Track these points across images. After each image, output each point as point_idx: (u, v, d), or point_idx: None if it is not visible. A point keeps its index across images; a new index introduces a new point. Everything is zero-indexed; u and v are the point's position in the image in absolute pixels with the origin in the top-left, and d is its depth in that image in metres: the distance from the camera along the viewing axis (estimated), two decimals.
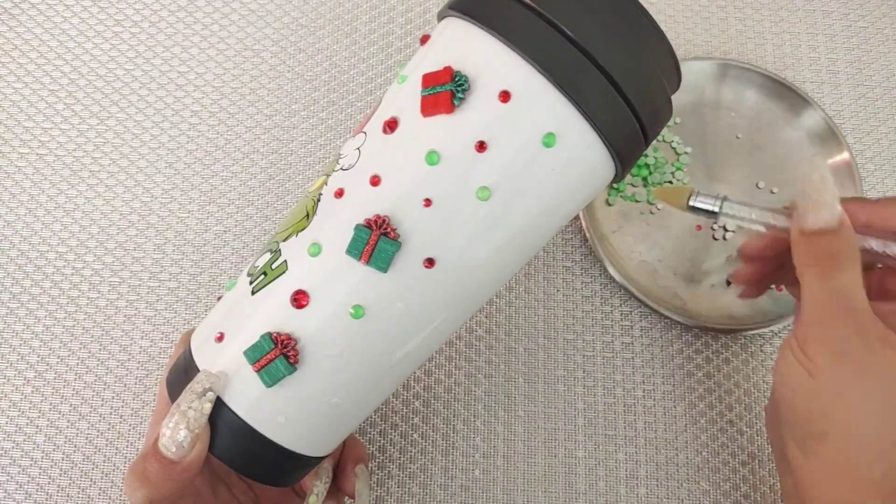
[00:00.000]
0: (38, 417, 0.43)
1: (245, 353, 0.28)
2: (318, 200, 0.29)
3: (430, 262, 0.27)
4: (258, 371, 0.28)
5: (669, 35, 0.50)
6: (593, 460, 0.42)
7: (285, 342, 0.28)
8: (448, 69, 0.27)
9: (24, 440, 0.42)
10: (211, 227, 0.47)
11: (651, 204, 0.46)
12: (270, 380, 0.28)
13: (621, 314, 0.45)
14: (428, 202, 0.27)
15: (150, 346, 0.44)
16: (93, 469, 0.42)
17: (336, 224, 0.28)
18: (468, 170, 0.27)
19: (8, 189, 0.47)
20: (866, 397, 0.28)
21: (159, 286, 0.45)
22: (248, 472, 0.30)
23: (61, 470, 0.42)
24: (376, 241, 0.27)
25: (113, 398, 0.43)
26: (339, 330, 0.28)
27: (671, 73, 0.30)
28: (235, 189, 0.47)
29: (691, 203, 0.36)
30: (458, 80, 0.26)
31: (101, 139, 0.48)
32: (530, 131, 0.27)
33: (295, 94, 0.49)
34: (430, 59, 0.28)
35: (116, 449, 0.42)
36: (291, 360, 0.28)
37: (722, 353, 0.44)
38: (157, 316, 0.45)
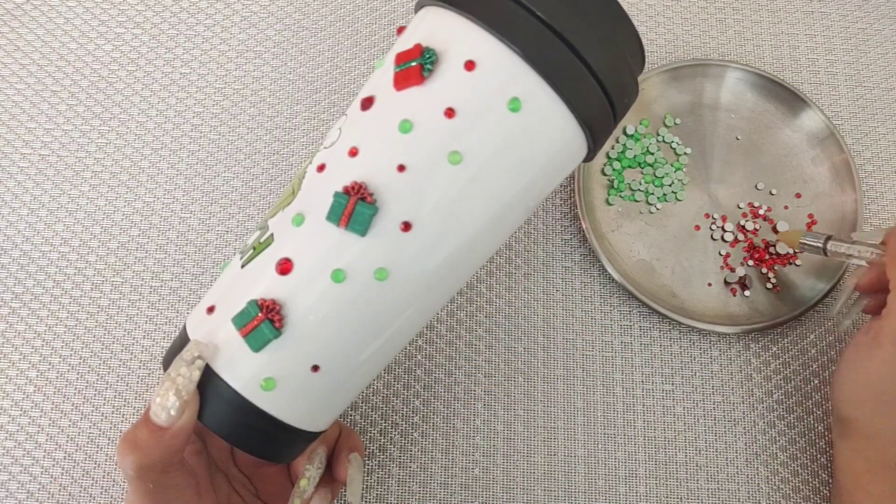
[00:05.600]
0: (41, 417, 0.43)
1: (232, 320, 0.29)
2: (303, 178, 0.31)
3: (406, 226, 0.28)
4: (245, 337, 0.29)
5: (669, 37, 0.51)
6: (593, 459, 0.43)
7: (270, 307, 0.28)
8: (418, 46, 0.29)
9: (27, 439, 0.43)
10: (213, 228, 0.47)
11: (650, 204, 0.47)
12: (256, 344, 0.29)
13: (620, 314, 0.45)
14: (402, 168, 0.28)
15: (153, 345, 0.44)
16: (95, 468, 0.42)
17: (318, 194, 0.29)
18: (438, 135, 0.28)
19: (10, 189, 0.47)
20: None
21: (162, 286, 0.45)
22: (238, 442, 0.30)
23: (63, 469, 0.42)
24: (354, 206, 0.28)
25: (115, 397, 0.43)
26: (322, 294, 0.29)
27: (633, 47, 0.31)
28: (237, 189, 0.48)
29: (801, 241, 0.42)
30: (427, 54, 0.28)
31: (104, 140, 0.48)
32: (495, 97, 0.28)
33: (297, 95, 0.50)
34: (403, 41, 0.30)
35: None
36: (276, 325, 0.28)
37: (721, 353, 0.45)
38: (159, 315, 0.45)
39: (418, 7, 0.32)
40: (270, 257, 0.29)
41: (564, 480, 0.42)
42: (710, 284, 0.45)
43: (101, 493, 0.42)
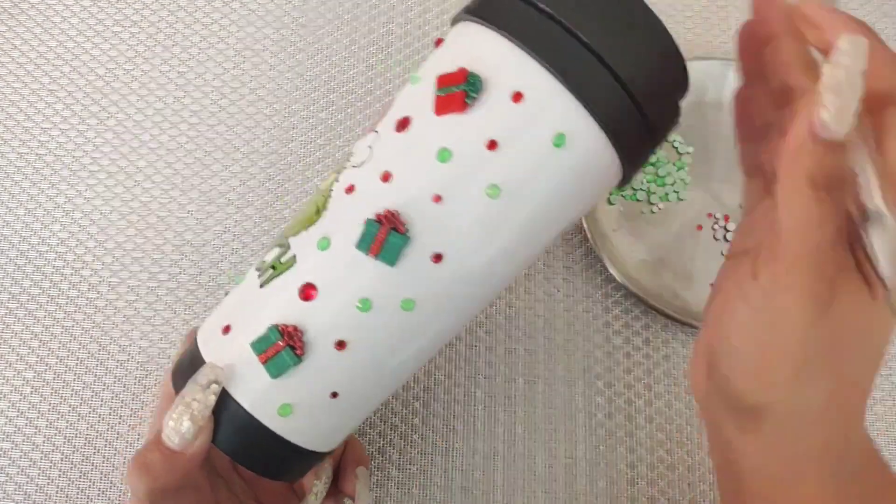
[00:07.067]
0: (37, 418, 0.43)
1: (251, 344, 0.28)
2: (329, 197, 0.30)
3: (437, 258, 0.28)
4: (264, 363, 0.28)
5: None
6: (593, 459, 0.42)
7: (292, 333, 0.28)
8: (462, 70, 0.27)
9: (23, 441, 0.42)
10: (210, 228, 0.46)
11: (651, 203, 0.46)
12: (276, 371, 0.28)
13: (622, 313, 0.45)
14: (438, 198, 0.27)
15: (149, 346, 0.44)
16: (91, 470, 0.42)
17: (346, 219, 0.28)
18: (479, 167, 0.27)
19: (7, 189, 0.47)
20: (824, 364, 0.23)
21: (158, 286, 0.45)
22: (251, 465, 0.30)
23: (60, 471, 0.42)
24: (386, 236, 0.27)
25: (112, 399, 0.43)
26: (346, 323, 0.28)
27: (680, 80, 0.30)
28: (235, 189, 0.47)
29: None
30: (472, 80, 0.27)
31: (101, 139, 0.48)
32: (541, 131, 0.27)
33: (294, 94, 0.49)
34: (445, 62, 0.29)
35: (115, 450, 0.42)
36: (297, 352, 0.28)
37: None
38: (156, 316, 0.45)
39: (456, 20, 0.30)
40: (293, 280, 0.29)
41: (565, 481, 0.42)
42: (712, 284, 0.45)
43: (99, 496, 0.42)
